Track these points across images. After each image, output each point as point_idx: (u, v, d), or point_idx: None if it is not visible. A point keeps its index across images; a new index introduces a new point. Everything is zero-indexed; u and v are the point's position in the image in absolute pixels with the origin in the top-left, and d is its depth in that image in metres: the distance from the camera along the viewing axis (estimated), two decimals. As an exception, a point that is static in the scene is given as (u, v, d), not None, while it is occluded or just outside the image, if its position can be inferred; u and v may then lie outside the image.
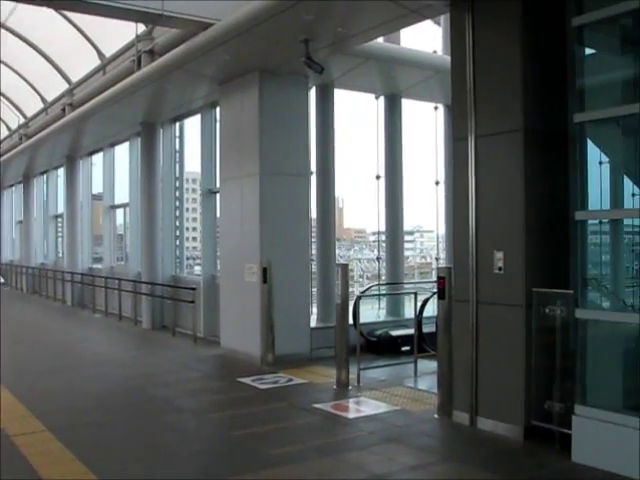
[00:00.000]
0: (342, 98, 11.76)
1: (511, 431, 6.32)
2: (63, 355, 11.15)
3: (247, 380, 8.86)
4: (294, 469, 5.61)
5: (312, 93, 11.37)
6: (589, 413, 5.66)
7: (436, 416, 7.07)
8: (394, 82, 11.78)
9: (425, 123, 13.16)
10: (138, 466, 5.75)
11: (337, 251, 15.04)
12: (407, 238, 16.55)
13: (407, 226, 13.44)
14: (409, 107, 12.71)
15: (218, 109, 11.92)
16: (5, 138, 24.18)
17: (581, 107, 5.84)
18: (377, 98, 12.47)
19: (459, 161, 6.84)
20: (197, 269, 14.48)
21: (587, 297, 6.02)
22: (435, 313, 7.80)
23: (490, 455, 5.99)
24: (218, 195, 12.19)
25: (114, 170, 18.03)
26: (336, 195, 11.86)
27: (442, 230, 13.62)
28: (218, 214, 12.30)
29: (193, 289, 12.59)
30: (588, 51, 6.28)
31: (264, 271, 9.78)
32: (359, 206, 14.67)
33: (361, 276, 16.19)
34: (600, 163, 6.41)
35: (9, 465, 5.56)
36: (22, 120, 21.43)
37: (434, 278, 10.71)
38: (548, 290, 6.07)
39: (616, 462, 5.41)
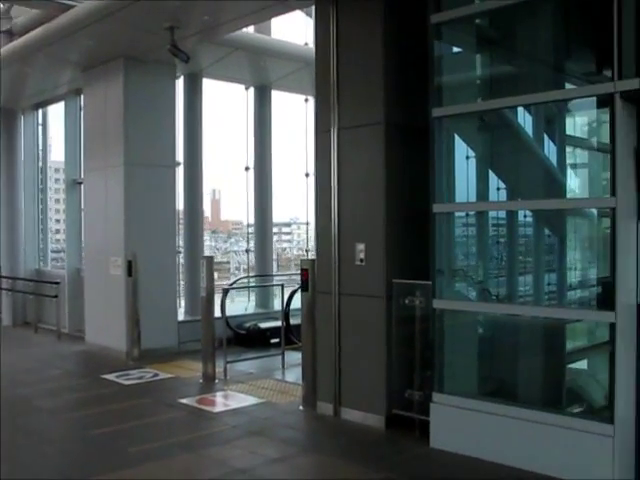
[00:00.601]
0: (211, 88, 11.59)
1: (373, 420, 6.42)
2: None
3: (111, 376, 8.60)
4: (153, 467, 5.47)
5: (180, 82, 11.12)
6: (446, 400, 5.84)
7: (301, 408, 7.10)
8: (264, 73, 11.70)
9: (295, 115, 13.18)
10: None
11: (213, 243, 14.86)
12: (285, 230, 16.55)
13: (284, 218, 13.41)
14: (280, 99, 12.68)
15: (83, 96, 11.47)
16: None
17: (439, 102, 5.97)
18: (247, 89, 12.35)
19: (322, 153, 6.87)
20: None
21: (451, 288, 6.25)
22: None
23: (352, 445, 6.06)
24: (83, 186, 11.73)
25: (-29, 158, 17.02)
26: (213, 187, 11.69)
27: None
28: (83, 205, 11.85)
29: (57, 283, 12.10)
30: (453, 48, 6.50)
31: (129, 264, 9.51)
32: (235, 198, 14.53)
33: (237, 268, 16.07)
34: (467, 157, 6.62)
35: None
36: None
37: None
38: (407, 281, 6.20)
39: (471, 446, 5.60)
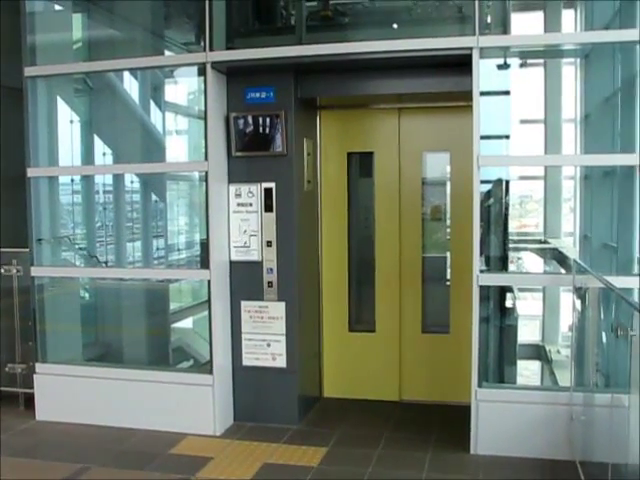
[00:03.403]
0: None
1: (-28, 402, 6.06)
2: None
3: None
4: None
5: None
6: (50, 370, 5.71)
7: None
8: None
9: None
10: None
11: None
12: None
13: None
14: None
15: None
16: None
17: (33, 61, 5.69)
18: None
19: None
20: None
21: (55, 255, 6.05)
22: None
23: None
24: None
25: None
26: None
27: None
28: None
29: None
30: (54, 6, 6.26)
31: None
32: None
33: None
34: (71, 121, 6.43)
35: None
36: None
37: None
38: (2, 250, 5.91)
39: (80, 413, 5.57)
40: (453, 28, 5.16)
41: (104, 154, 6.49)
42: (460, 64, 4.76)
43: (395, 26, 5.48)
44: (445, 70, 5.08)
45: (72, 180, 6.49)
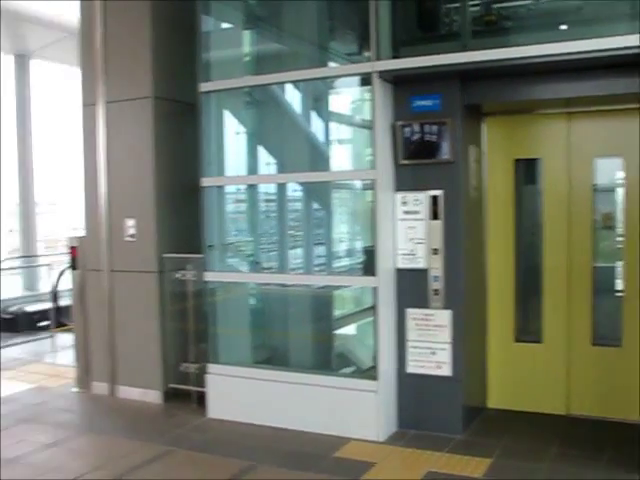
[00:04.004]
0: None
1: (151, 396, 6.44)
2: None
3: None
4: None
5: None
6: (221, 370, 5.96)
7: (75, 390, 6.89)
8: (21, 40, 10.93)
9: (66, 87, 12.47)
10: None
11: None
12: (54, 207, 15.71)
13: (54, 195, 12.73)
14: (43, 69, 11.96)
15: None
16: None
17: (207, 77, 5.97)
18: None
19: (88, 127, 6.65)
20: None
21: (223, 261, 6.30)
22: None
23: (130, 422, 6.01)
24: None
25: None
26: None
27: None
28: None
29: None
30: (222, 24, 6.53)
31: None
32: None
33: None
34: (238, 133, 6.70)
35: None
36: None
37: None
38: (178, 255, 6.23)
39: (248, 412, 5.78)
40: (625, 26, 4.91)
41: (268, 164, 6.68)
42: (632, 64, 4.54)
43: (564, 27, 5.30)
44: (616, 71, 4.84)
45: (238, 189, 6.73)
